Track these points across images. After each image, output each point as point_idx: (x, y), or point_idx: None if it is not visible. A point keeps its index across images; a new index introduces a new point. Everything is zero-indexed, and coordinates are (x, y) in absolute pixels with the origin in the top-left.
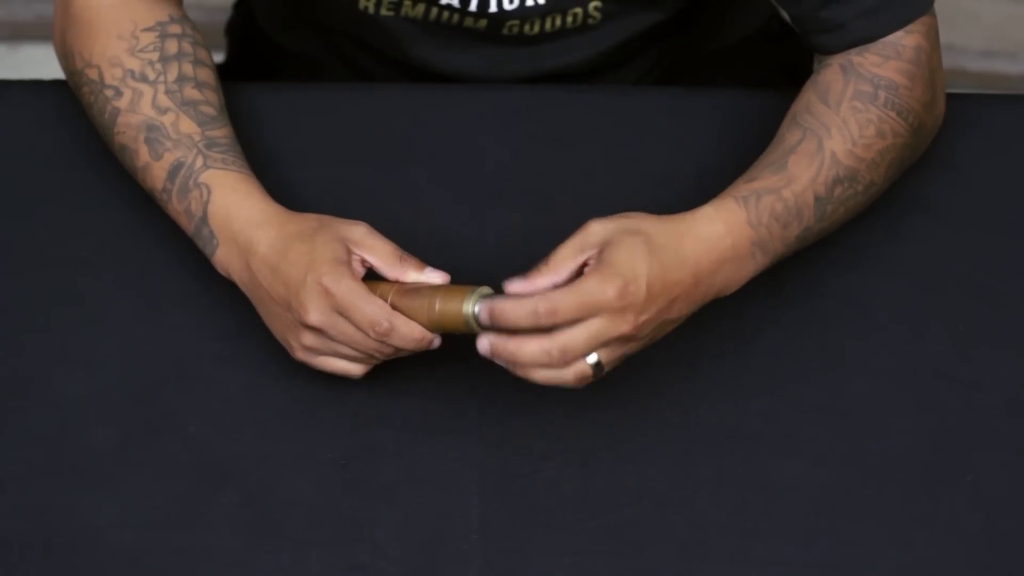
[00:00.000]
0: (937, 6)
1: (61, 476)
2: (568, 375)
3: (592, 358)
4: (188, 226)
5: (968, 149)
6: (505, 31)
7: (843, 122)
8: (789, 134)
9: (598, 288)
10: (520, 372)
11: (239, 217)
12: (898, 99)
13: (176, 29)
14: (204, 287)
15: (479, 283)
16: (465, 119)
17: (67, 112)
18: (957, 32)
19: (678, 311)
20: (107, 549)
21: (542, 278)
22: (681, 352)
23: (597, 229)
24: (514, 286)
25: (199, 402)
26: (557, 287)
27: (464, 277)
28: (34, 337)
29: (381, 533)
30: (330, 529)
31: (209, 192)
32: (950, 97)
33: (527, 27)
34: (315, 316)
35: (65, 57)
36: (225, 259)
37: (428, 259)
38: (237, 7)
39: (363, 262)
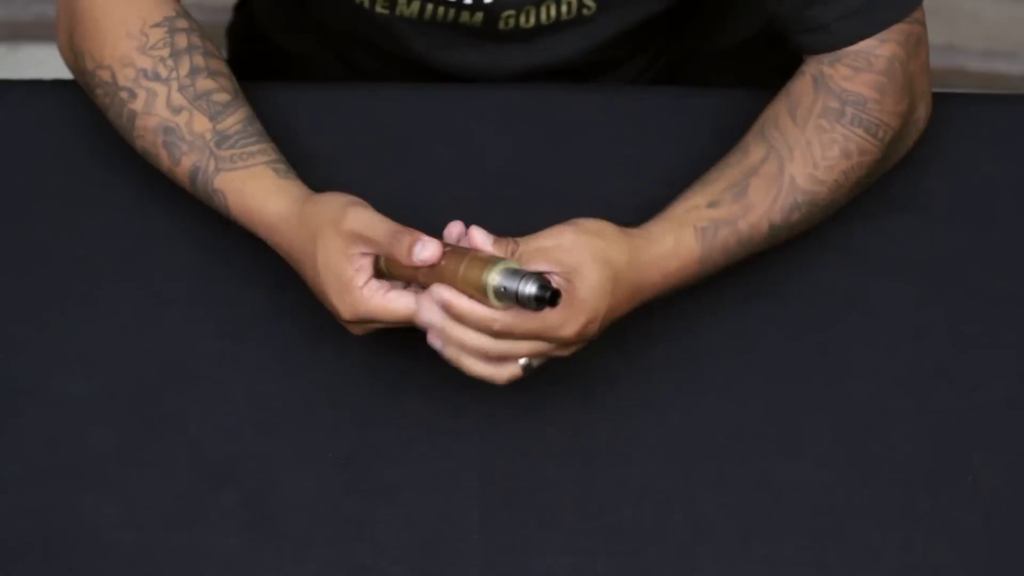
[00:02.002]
0: (937, 6)
1: (61, 476)
2: (500, 375)
3: (523, 360)
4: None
5: (968, 149)
6: (501, 25)
7: (807, 143)
8: (754, 148)
9: (559, 323)
10: (453, 359)
11: (256, 223)
12: (866, 115)
13: (183, 24)
14: (204, 287)
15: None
16: (465, 119)
17: (67, 112)
18: (957, 32)
19: (615, 318)
20: (107, 549)
21: None
22: (681, 352)
23: (570, 246)
24: (478, 237)
25: (199, 402)
26: None
27: None
28: (34, 337)
29: (381, 533)
30: (330, 529)
31: (225, 198)
32: (950, 97)
33: (523, 19)
34: (353, 328)
35: (74, 58)
36: (280, 247)
37: None
38: (238, 9)
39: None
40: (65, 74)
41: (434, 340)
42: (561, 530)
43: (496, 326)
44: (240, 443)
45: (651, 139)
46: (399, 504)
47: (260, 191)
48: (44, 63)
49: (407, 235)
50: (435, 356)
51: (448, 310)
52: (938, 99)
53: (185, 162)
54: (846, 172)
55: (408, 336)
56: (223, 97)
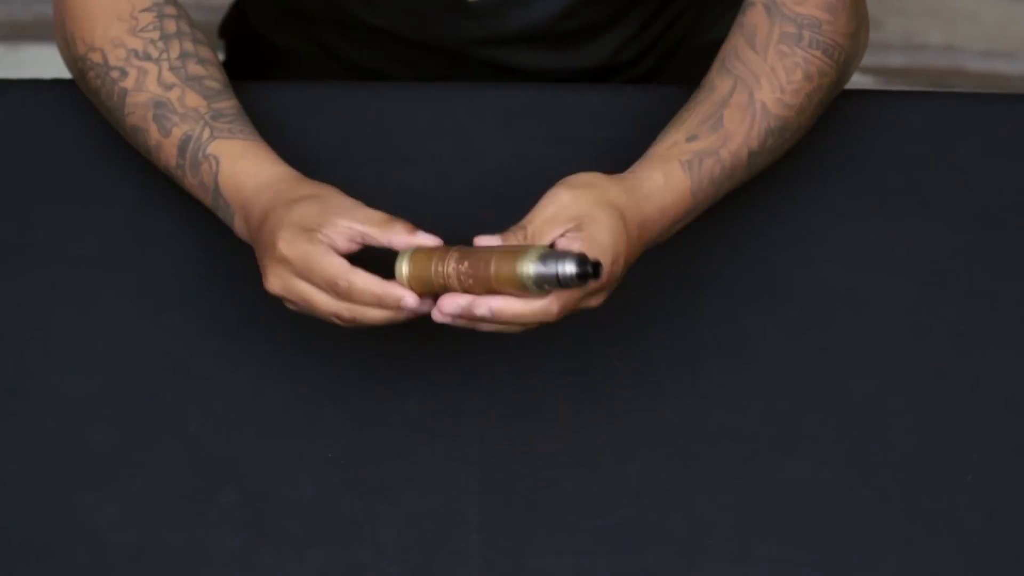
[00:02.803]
0: (937, 6)
1: (61, 476)
2: (512, 330)
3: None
4: (206, 199)
5: (968, 149)
6: (470, 1)
7: (771, 69)
8: (719, 81)
9: (588, 296)
10: (464, 324)
11: (247, 184)
12: (822, 36)
13: (171, 10)
14: (204, 287)
15: None
16: (465, 119)
17: (67, 112)
18: (957, 32)
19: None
20: (107, 549)
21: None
22: (681, 352)
23: (569, 202)
24: (484, 239)
25: (199, 402)
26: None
27: None
28: (34, 337)
29: (381, 533)
30: (330, 529)
31: (218, 163)
32: (950, 97)
33: None
34: (273, 283)
35: (67, 44)
36: (241, 228)
37: None
38: (231, 7)
39: (349, 234)
40: (65, 74)
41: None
42: (561, 530)
43: (555, 311)
44: (240, 443)
45: (650, 139)
46: (399, 504)
47: (259, 158)
48: (44, 63)
49: (401, 220)
50: (435, 356)
51: (501, 318)
52: (938, 99)
53: (176, 132)
54: (809, 95)
55: (407, 335)
56: (214, 84)
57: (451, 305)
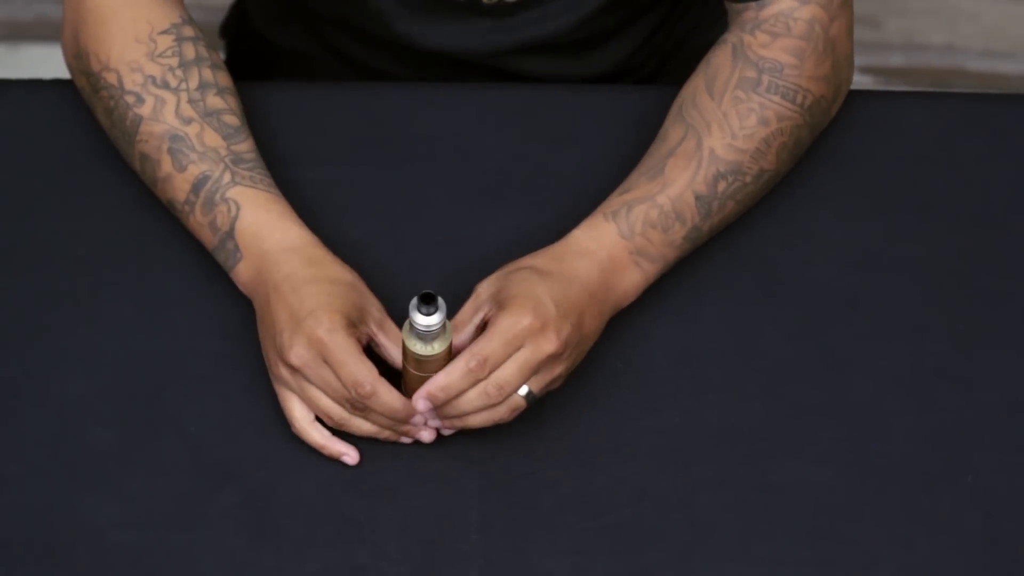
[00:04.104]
0: (937, 6)
1: (61, 476)
2: (502, 410)
3: (523, 390)
4: (211, 239)
5: (968, 149)
6: (485, 1)
7: (724, 116)
8: (672, 130)
9: (513, 320)
10: (459, 424)
11: (271, 238)
12: (783, 81)
13: (189, 32)
14: (204, 287)
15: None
16: (465, 119)
17: (67, 112)
18: (957, 32)
19: (589, 326)
20: (107, 549)
21: None
22: (681, 352)
23: (484, 286)
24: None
25: (199, 402)
26: (460, 350)
27: (464, 277)
28: (34, 337)
29: (381, 533)
30: (330, 529)
31: (238, 208)
32: (950, 97)
33: None
34: (296, 357)
35: (78, 57)
36: (246, 274)
37: (428, 260)
38: (232, 7)
39: (372, 338)
40: (65, 74)
41: (432, 432)
42: (561, 530)
43: (472, 363)
44: (240, 443)
45: (651, 139)
46: (399, 504)
47: (284, 216)
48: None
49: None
50: None
51: (435, 400)
52: (938, 99)
53: (192, 169)
54: (766, 139)
55: None
56: (233, 120)
57: (417, 416)
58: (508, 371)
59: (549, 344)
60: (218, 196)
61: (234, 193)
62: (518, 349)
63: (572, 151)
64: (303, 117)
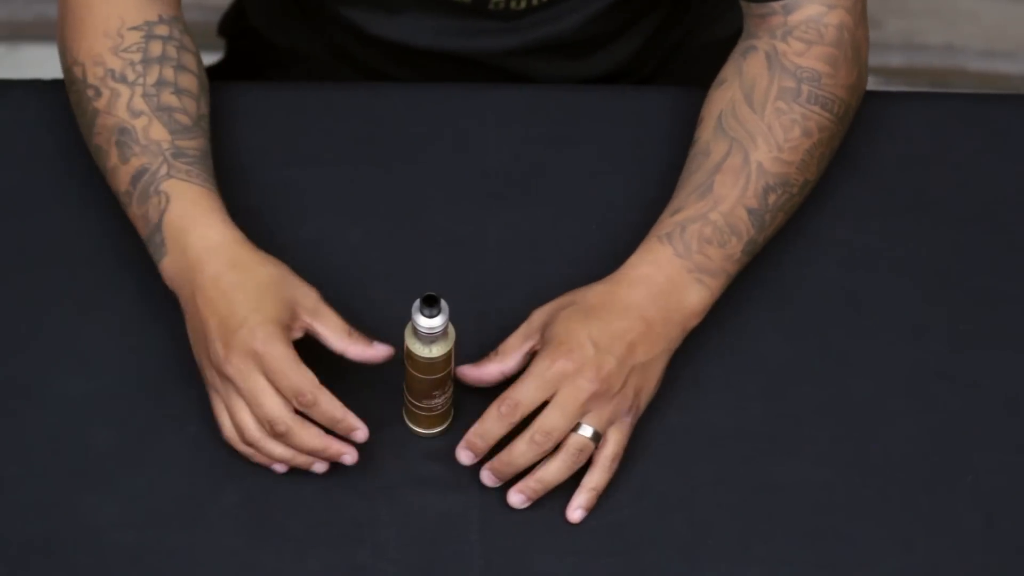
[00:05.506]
0: (937, 6)
1: (61, 476)
2: (571, 456)
3: (588, 431)
4: (143, 231)
5: (968, 149)
6: (491, 6)
7: (768, 128)
8: (715, 145)
9: (546, 364)
10: (537, 486)
11: (194, 232)
12: (821, 91)
13: (163, 30)
14: None
15: (479, 283)
16: (465, 119)
17: (67, 112)
18: (957, 32)
19: (645, 353)
20: (107, 549)
21: (491, 364)
22: (681, 352)
23: (538, 315)
24: (465, 370)
25: (199, 402)
26: (507, 375)
27: (464, 277)
28: (34, 337)
29: (381, 533)
30: (330, 529)
31: (167, 201)
32: (950, 97)
33: (512, 2)
34: (232, 369)
35: (60, 52)
36: (171, 270)
37: (428, 260)
38: (230, 7)
39: (308, 329)
40: None
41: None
42: (561, 530)
43: (503, 408)
44: None
45: (651, 139)
46: (399, 504)
47: (210, 211)
48: (44, 63)
49: (360, 333)
50: None
51: (475, 448)
52: (938, 99)
53: (134, 162)
54: (809, 150)
55: None
56: (183, 119)
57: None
58: (550, 416)
59: (588, 383)
60: (152, 188)
61: (167, 186)
62: (553, 393)
63: (572, 151)
64: (303, 117)
